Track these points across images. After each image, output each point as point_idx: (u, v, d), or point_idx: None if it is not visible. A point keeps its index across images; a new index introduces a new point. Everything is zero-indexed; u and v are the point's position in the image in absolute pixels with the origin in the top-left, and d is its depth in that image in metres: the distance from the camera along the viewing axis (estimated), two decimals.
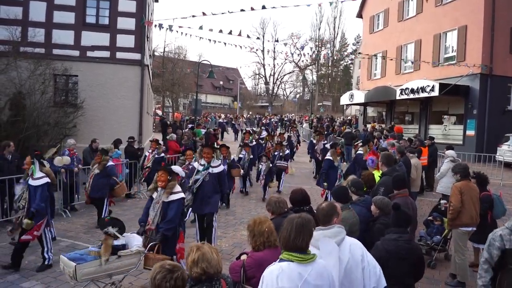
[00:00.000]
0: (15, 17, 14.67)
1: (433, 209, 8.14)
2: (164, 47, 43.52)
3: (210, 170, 7.28)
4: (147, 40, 18.01)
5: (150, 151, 12.41)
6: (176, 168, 6.93)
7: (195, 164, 7.56)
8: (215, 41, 17.53)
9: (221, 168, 7.53)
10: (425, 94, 20.47)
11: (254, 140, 15.47)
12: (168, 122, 25.73)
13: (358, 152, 12.37)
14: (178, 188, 6.00)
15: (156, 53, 39.04)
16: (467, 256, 6.78)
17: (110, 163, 9.53)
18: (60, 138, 13.85)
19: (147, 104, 18.56)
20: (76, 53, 15.49)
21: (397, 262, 3.86)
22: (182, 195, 6.00)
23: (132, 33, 15.96)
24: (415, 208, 6.18)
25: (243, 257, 3.79)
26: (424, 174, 12.91)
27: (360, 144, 12.46)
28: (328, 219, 3.41)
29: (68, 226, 9.43)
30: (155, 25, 17.38)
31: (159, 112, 38.07)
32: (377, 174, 7.34)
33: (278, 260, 2.89)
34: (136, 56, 15.98)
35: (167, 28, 15.07)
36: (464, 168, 6.71)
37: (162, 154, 12.26)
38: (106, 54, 15.74)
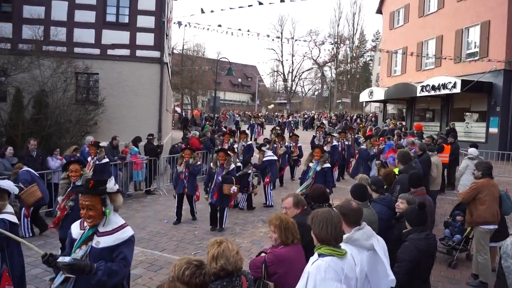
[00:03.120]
0: (38, 17, 14.95)
1: (454, 207, 8.01)
2: (183, 45, 43.90)
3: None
4: (166, 38, 18.14)
5: (90, 157, 10.12)
6: None
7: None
8: (232, 33, 17.45)
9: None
10: (446, 91, 20.13)
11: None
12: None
13: (362, 147, 12.61)
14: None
15: (175, 51, 39.35)
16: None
17: (22, 169, 8.15)
18: (81, 135, 14.07)
19: (167, 101, 18.71)
20: (97, 51, 15.70)
21: (427, 260, 3.87)
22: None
23: (152, 31, 16.10)
24: (433, 206, 6.11)
25: (263, 254, 3.80)
26: (446, 172, 12.72)
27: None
28: (359, 218, 3.48)
29: None
30: (174, 22, 17.55)
31: (178, 110, 38.33)
32: (397, 172, 7.27)
33: (318, 255, 2.92)
34: (156, 54, 16.11)
35: (185, 25, 15.16)
36: (487, 165, 6.59)
37: (105, 160, 10.08)
38: (126, 52, 15.91)
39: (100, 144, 9.80)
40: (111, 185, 3.40)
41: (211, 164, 9.29)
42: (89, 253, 3.27)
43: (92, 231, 3.33)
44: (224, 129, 20.94)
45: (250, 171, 10.56)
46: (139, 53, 15.98)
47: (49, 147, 11.25)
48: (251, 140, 20.27)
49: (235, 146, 13.25)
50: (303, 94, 72.96)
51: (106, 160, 10.14)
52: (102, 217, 3.35)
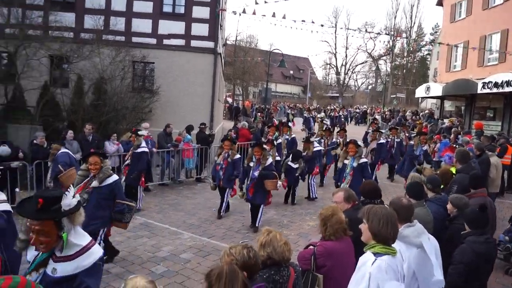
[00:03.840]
0: (99, 7, 15.55)
1: None
2: (236, 36, 44.12)
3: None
4: (221, 28, 18.31)
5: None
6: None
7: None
8: (286, 26, 17.32)
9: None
10: (510, 89, 19.01)
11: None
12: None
13: (410, 142, 12.09)
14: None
15: (228, 42, 39.64)
16: None
17: (61, 151, 8.35)
18: (136, 122, 14.54)
19: (219, 91, 18.93)
20: (153, 41, 16.10)
21: (485, 264, 3.71)
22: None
23: (206, 22, 16.29)
24: (494, 209, 5.81)
25: (311, 247, 3.79)
26: (506, 174, 12.06)
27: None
28: (410, 215, 3.44)
29: (142, 205, 9.91)
30: (229, 13, 17.67)
31: (230, 100, 38.71)
32: (454, 171, 6.97)
33: (374, 254, 2.86)
34: (210, 44, 16.31)
35: (240, 14, 15.21)
36: None
37: (142, 149, 9.52)
38: (181, 42, 16.21)
39: (139, 133, 9.72)
40: (68, 200, 2.64)
41: (245, 160, 8.88)
42: (40, 281, 2.57)
43: (46, 254, 2.65)
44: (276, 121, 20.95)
45: (298, 165, 10.22)
46: (193, 43, 16.24)
47: (106, 132, 11.72)
48: (309, 134, 19.83)
49: (280, 139, 12.88)
50: (356, 88, 71.50)
51: (143, 149, 9.51)
52: (59, 241, 2.63)
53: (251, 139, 14.23)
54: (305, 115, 29.49)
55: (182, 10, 16.31)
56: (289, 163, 10.27)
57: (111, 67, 14.23)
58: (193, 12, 16.21)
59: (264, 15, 17.08)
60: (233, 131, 14.66)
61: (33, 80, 13.01)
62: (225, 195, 9.07)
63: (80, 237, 2.73)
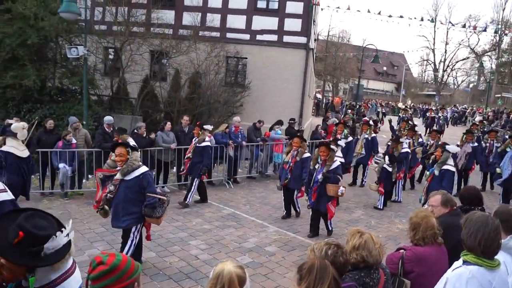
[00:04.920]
0: (197, 4, 16.22)
1: None
2: (329, 31, 43.64)
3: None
4: (313, 24, 18.15)
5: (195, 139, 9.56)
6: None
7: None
8: (384, 21, 16.71)
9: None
10: None
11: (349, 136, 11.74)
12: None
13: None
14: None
15: (320, 37, 39.26)
16: None
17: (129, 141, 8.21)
18: (227, 116, 15.00)
19: (309, 87, 18.82)
20: (246, 36, 16.44)
21: None
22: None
23: (300, 17, 16.25)
24: None
25: (401, 251, 3.63)
26: None
27: None
28: None
29: (230, 196, 10.19)
30: (322, 9, 17.49)
31: (319, 96, 38.37)
32: None
33: (462, 262, 2.68)
34: (302, 39, 16.24)
35: (334, 9, 14.94)
36: None
37: (205, 143, 9.28)
38: (274, 37, 16.35)
39: (205, 127, 9.51)
40: (56, 242, 2.01)
41: (311, 162, 7.98)
42: None
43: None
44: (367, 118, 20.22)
45: (392, 169, 9.58)
46: (286, 38, 16.29)
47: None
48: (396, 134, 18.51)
49: (349, 138, 11.49)
50: (455, 86, 66.94)
51: (207, 143, 9.29)
52: (24, 279, 2.05)
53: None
54: (400, 115, 27.44)
55: (275, 5, 16.43)
56: (385, 166, 9.66)
57: (206, 62, 14.80)
58: (286, 7, 16.25)
59: (359, 10, 16.62)
60: (321, 130, 14.43)
61: (135, 73, 14.02)
62: (293, 196, 8.51)
63: (52, 273, 2.10)
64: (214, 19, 16.10)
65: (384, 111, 33.77)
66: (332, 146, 7.67)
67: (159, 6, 15.29)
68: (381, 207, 9.69)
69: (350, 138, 11.41)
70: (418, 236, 3.49)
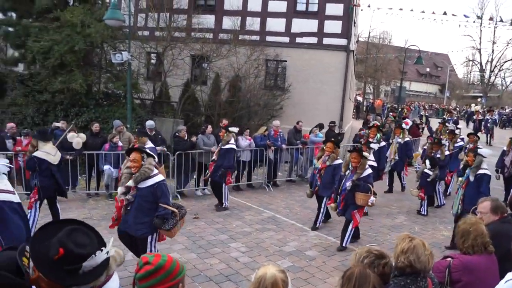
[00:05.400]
0: (237, 8, 16.35)
1: None
2: (369, 32, 42.88)
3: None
4: (354, 25, 17.91)
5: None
6: None
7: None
8: (426, 20, 16.27)
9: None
10: None
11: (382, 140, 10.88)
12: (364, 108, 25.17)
13: None
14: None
15: (360, 39, 38.67)
16: None
17: (148, 145, 8.24)
18: (267, 119, 15.02)
19: (350, 90, 18.57)
20: (286, 39, 16.41)
21: None
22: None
23: (340, 19, 16.05)
24: None
25: (448, 259, 3.50)
26: None
27: None
28: None
29: (270, 199, 10.17)
30: (362, 9, 17.21)
31: (360, 99, 37.76)
32: None
33: None
34: (342, 41, 16.04)
35: (374, 10, 14.70)
36: None
37: (230, 146, 9.12)
38: (314, 40, 16.23)
39: (230, 129, 9.35)
40: (94, 260, 1.93)
41: (342, 167, 7.65)
42: None
43: None
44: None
45: (433, 172, 9.20)
46: (326, 41, 16.13)
47: (239, 128, 12.30)
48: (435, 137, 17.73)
49: (382, 142, 10.71)
50: (504, 87, 64.16)
51: (231, 145, 9.16)
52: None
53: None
54: (445, 117, 26.28)
55: (315, 8, 16.31)
56: (426, 170, 9.28)
57: (246, 66, 14.91)
58: (326, 9, 16.10)
59: (401, 9, 16.25)
60: (361, 133, 14.14)
61: (177, 77, 14.32)
62: (322, 205, 8.08)
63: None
64: (253, 23, 16.17)
65: (427, 114, 32.81)
66: (364, 153, 7.24)
67: (199, 11, 15.54)
68: (425, 213, 9.40)
69: (383, 143, 10.66)
70: (467, 244, 3.37)
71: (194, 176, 10.45)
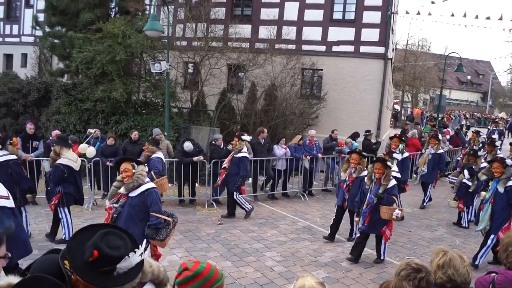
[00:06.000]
0: (273, 18, 16.42)
1: None
2: (407, 40, 41.94)
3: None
4: (392, 33, 17.63)
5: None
6: None
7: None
8: (468, 26, 15.83)
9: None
10: None
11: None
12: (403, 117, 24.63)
13: None
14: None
15: (398, 46, 37.99)
16: None
17: (156, 155, 8.24)
18: (303, 128, 14.98)
19: (387, 98, 18.25)
20: (322, 48, 16.32)
21: None
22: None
23: (377, 27, 15.82)
24: None
25: (493, 274, 3.37)
26: None
27: None
28: None
29: (305, 208, 10.11)
30: (398, 16, 16.85)
31: (397, 107, 37.04)
32: None
33: None
34: (380, 49, 15.81)
35: (412, 18, 14.45)
36: None
37: (243, 154, 9.10)
38: (350, 48, 16.06)
39: (243, 137, 9.26)
40: (128, 262, 2.00)
41: (365, 179, 7.08)
42: None
43: None
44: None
45: (472, 183, 8.88)
46: (363, 49, 15.94)
47: (275, 137, 12.32)
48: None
49: (405, 153, 10.03)
50: None
51: (244, 154, 9.09)
52: None
53: (421, 150, 13.28)
54: (490, 128, 24.54)
55: (352, 16, 16.17)
56: (465, 180, 9.01)
57: (282, 75, 14.93)
58: (363, 17, 15.93)
59: (442, 15, 15.91)
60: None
61: (213, 86, 14.50)
62: (355, 218, 7.63)
63: None
64: (289, 32, 16.20)
65: (468, 123, 31.70)
66: (388, 163, 6.89)
67: (236, 21, 15.71)
68: (466, 225, 9.08)
69: (406, 154, 9.97)
70: (511, 259, 3.25)
71: None
